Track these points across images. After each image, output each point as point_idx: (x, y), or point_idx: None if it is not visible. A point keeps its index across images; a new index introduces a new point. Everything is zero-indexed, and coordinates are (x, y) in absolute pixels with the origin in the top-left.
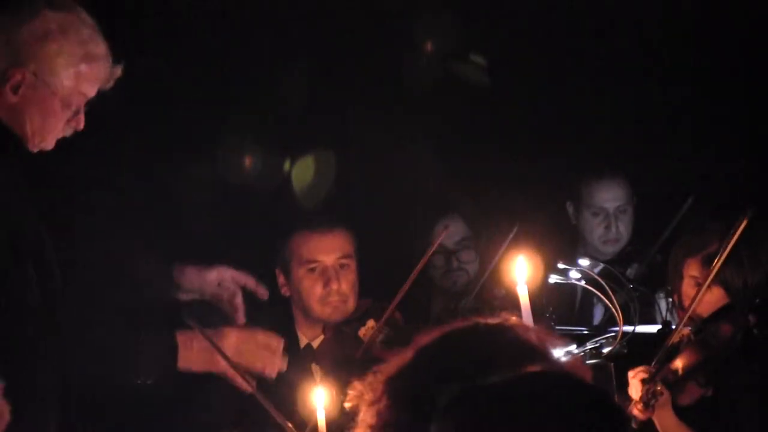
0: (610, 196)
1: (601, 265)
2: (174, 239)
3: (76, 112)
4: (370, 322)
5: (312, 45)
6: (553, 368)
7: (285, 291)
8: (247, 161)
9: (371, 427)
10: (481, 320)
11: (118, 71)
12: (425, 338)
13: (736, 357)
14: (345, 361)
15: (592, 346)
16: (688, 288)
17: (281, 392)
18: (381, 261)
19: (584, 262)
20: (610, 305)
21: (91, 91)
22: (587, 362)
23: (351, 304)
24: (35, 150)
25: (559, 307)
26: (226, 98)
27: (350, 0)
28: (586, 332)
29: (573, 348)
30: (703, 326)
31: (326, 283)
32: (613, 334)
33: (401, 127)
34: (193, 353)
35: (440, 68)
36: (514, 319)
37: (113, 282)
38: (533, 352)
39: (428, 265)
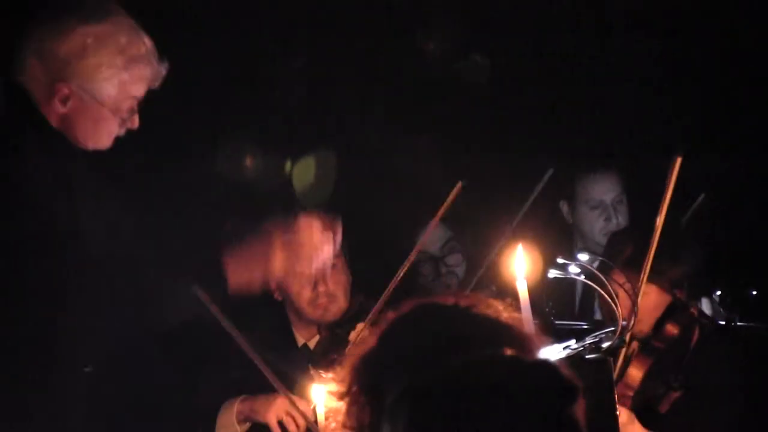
0: (606, 188)
1: (599, 260)
2: (174, 238)
3: (130, 113)
4: (360, 325)
5: (312, 45)
6: (510, 351)
7: (277, 295)
8: (248, 160)
9: (342, 423)
10: (438, 300)
11: (164, 69)
12: (384, 322)
13: (700, 353)
14: (340, 362)
15: (592, 340)
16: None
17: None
18: (378, 257)
19: (583, 257)
20: (609, 300)
21: (140, 92)
22: (587, 357)
23: (342, 303)
24: (91, 149)
25: (559, 302)
26: (225, 98)
27: (352, 1)
28: (585, 327)
29: (572, 343)
30: (650, 335)
31: (314, 286)
32: (612, 328)
33: (398, 126)
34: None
35: (438, 68)
36: (477, 298)
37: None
38: (491, 334)
39: (416, 274)
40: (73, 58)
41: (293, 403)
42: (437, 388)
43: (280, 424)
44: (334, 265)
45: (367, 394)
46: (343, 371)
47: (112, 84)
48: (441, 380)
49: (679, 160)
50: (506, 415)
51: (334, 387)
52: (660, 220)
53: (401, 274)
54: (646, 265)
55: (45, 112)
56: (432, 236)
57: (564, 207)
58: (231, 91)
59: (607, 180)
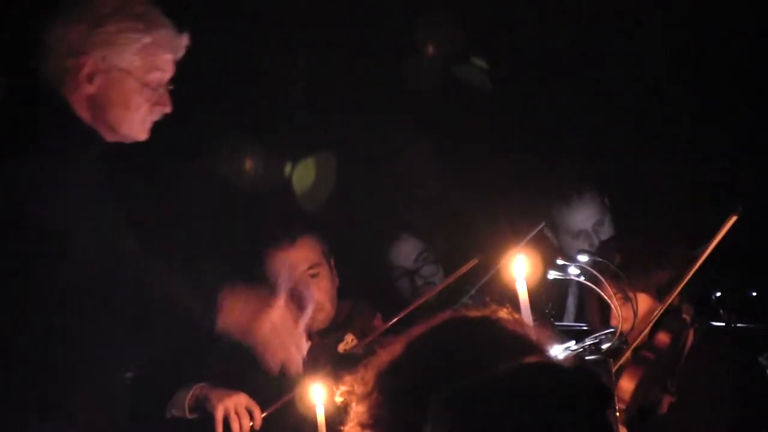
0: (584, 216)
1: (599, 262)
2: (175, 239)
3: (158, 92)
4: (349, 337)
5: (313, 46)
6: (544, 358)
7: None
8: (247, 163)
9: (362, 425)
10: (468, 313)
11: (185, 39)
12: (415, 331)
13: (698, 355)
14: (329, 372)
15: (591, 342)
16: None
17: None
18: (368, 261)
19: (583, 258)
20: (609, 301)
21: (165, 64)
22: (587, 358)
23: (329, 310)
24: (128, 141)
25: (558, 304)
26: (225, 98)
27: (351, 1)
28: (585, 328)
29: (572, 344)
30: (642, 343)
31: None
32: (612, 330)
33: (395, 130)
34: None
35: (437, 70)
36: (502, 311)
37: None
38: (523, 343)
39: (396, 289)
40: (93, 28)
41: (249, 404)
42: (485, 393)
43: (225, 421)
44: (316, 274)
45: (392, 399)
46: (366, 375)
47: (136, 49)
48: (489, 385)
49: (734, 218)
50: (545, 418)
51: (355, 388)
52: (694, 268)
53: (412, 308)
54: (674, 294)
55: (73, 102)
56: (404, 250)
57: (549, 234)
58: (230, 91)
59: (584, 207)
